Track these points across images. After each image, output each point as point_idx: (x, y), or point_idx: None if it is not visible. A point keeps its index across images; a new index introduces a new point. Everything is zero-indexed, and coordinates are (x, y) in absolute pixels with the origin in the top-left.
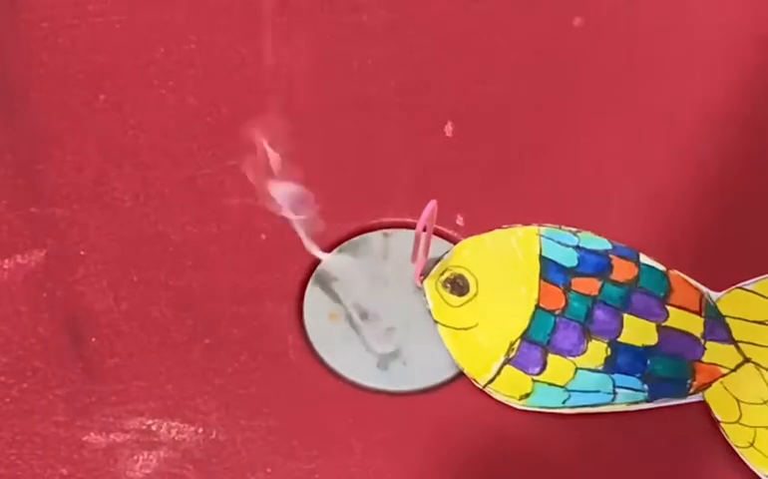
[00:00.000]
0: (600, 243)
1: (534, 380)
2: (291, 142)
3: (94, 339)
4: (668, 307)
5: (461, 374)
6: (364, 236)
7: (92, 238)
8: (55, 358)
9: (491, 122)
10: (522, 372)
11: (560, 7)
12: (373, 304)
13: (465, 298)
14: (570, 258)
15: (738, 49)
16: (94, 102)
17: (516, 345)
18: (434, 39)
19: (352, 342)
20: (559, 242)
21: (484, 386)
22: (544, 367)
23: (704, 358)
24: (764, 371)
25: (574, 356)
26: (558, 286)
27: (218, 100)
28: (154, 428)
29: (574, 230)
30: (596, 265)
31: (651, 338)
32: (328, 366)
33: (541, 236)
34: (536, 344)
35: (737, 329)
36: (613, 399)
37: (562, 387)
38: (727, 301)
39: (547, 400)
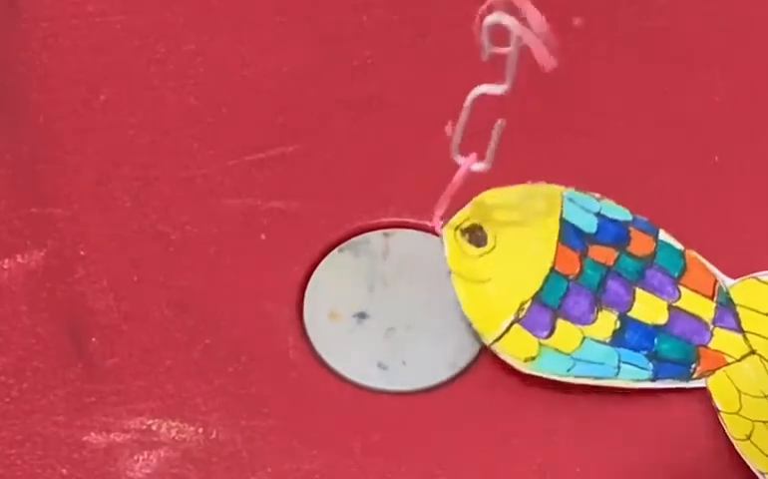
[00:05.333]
0: (622, 213)
1: (540, 344)
2: (291, 142)
3: (94, 339)
4: (681, 288)
5: (461, 374)
6: (364, 235)
7: (92, 238)
8: (55, 358)
9: (491, 122)
10: (529, 334)
11: (560, 7)
12: (373, 304)
13: (482, 250)
14: (590, 224)
15: (738, 49)
16: (94, 102)
17: (526, 306)
18: (434, 39)
19: (352, 342)
20: (581, 207)
21: (491, 344)
22: (552, 332)
23: (711, 344)
24: None
25: (582, 325)
26: (575, 251)
27: (218, 100)
28: (154, 428)
29: (597, 196)
30: (615, 235)
31: (661, 317)
32: (328, 366)
33: (564, 196)
34: (546, 307)
35: (747, 319)
36: (617, 374)
37: (567, 355)
38: (740, 290)
39: (551, 366)
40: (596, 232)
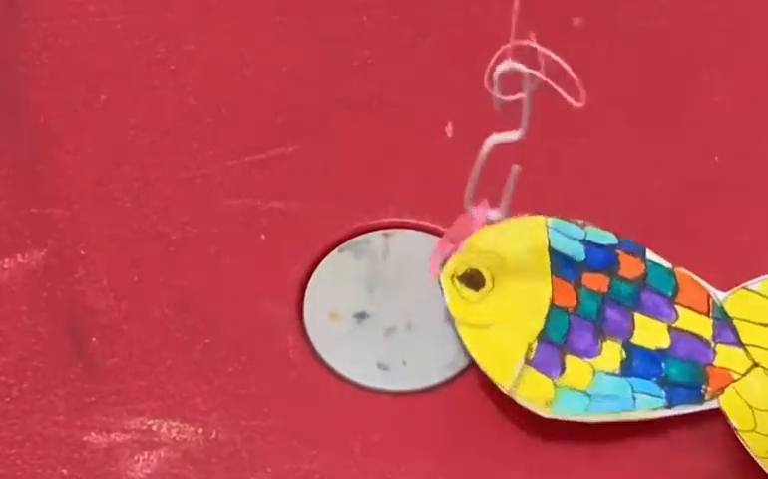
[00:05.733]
0: (607, 238)
1: (555, 385)
2: (291, 142)
3: (94, 339)
4: (677, 307)
5: (461, 374)
6: (364, 235)
7: (92, 238)
8: (55, 358)
9: (491, 122)
10: (543, 376)
11: (560, 7)
12: (373, 304)
13: (481, 294)
14: (578, 252)
15: (738, 49)
16: (94, 102)
17: (534, 347)
18: (434, 39)
19: (352, 342)
20: (566, 235)
21: (509, 391)
22: (563, 370)
23: (716, 362)
24: None
25: (590, 358)
26: (569, 282)
27: (218, 100)
28: (154, 428)
29: (580, 222)
30: (605, 261)
31: (664, 341)
32: (328, 366)
33: (548, 226)
34: (553, 345)
35: (744, 332)
36: (634, 406)
37: (583, 392)
38: (733, 303)
39: (570, 406)
40: (586, 259)
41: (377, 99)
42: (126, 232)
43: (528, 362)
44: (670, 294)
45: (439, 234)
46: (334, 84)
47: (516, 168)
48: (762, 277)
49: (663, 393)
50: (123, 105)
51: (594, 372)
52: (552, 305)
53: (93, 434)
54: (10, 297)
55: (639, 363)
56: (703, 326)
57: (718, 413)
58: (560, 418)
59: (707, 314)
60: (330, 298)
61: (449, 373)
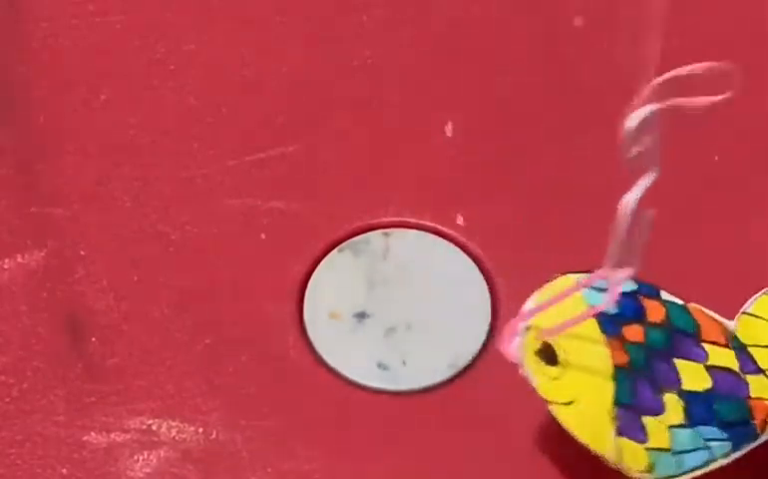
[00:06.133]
0: (627, 285)
1: (646, 449)
2: (291, 142)
3: (94, 339)
4: (704, 345)
5: (461, 374)
6: (364, 235)
7: (92, 238)
8: (55, 358)
9: (491, 122)
10: (633, 442)
11: (560, 7)
12: (373, 304)
13: (559, 369)
14: (611, 305)
15: (739, 49)
16: (94, 102)
17: (614, 414)
18: (434, 39)
19: (352, 342)
20: (594, 288)
21: (617, 466)
22: (645, 432)
23: (752, 393)
24: None
25: (659, 415)
26: (617, 339)
27: (218, 100)
28: (154, 428)
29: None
30: (633, 310)
31: (706, 381)
32: (328, 366)
33: (578, 282)
34: (628, 408)
35: (759, 357)
36: (712, 455)
37: (668, 452)
38: (741, 329)
39: (665, 470)
40: (619, 311)
41: (377, 99)
42: (126, 232)
43: (618, 432)
44: (693, 332)
45: (439, 233)
46: (334, 84)
47: (649, 214)
48: (753, 298)
49: (726, 435)
50: (123, 105)
51: (669, 429)
52: (614, 366)
53: (93, 434)
54: (10, 297)
55: (697, 410)
56: (729, 359)
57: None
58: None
59: (727, 346)
60: (330, 298)
61: (449, 373)
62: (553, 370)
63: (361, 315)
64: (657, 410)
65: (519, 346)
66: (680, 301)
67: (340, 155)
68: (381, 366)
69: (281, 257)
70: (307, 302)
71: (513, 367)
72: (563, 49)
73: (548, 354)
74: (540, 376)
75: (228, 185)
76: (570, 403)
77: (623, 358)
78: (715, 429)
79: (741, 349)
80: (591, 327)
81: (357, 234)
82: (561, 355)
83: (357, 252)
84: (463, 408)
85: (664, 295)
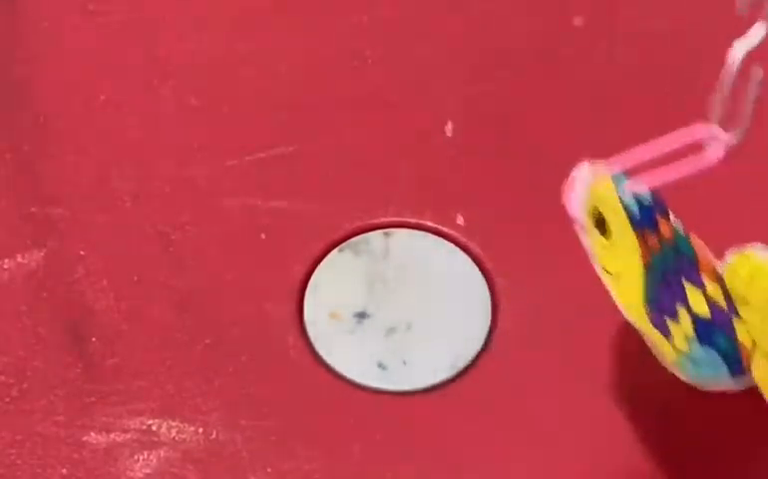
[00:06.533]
0: (643, 197)
1: (673, 347)
2: (291, 142)
3: (94, 339)
4: (702, 276)
5: (461, 374)
6: (364, 235)
7: (92, 238)
8: (55, 358)
9: (491, 122)
10: (662, 337)
11: (560, 7)
12: (373, 304)
13: (607, 242)
14: (636, 208)
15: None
16: (94, 102)
17: (647, 306)
18: (434, 39)
19: (352, 342)
20: (623, 188)
21: (660, 356)
22: (669, 332)
23: (738, 336)
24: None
25: (676, 321)
26: (642, 237)
27: (218, 100)
28: (154, 428)
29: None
30: (650, 221)
31: (706, 310)
32: (328, 366)
33: (612, 178)
34: (654, 305)
35: (740, 307)
36: (720, 373)
37: (688, 356)
38: (726, 274)
39: (686, 371)
40: (640, 217)
41: (377, 99)
42: (126, 232)
43: (651, 322)
44: (695, 260)
45: (439, 233)
46: (334, 84)
47: (758, 72)
48: (739, 249)
49: (726, 362)
50: (123, 105)
51: (684, 338)
52: (644, 263)
53: (93, 434)
54: (10, 297)
55: (702, 332)
56: (720, 297)
57: None
58: (686, 379)
59: (719, 284)
60: (330, 298)
61: (449, 373)
62: (603, 239)
63: (361, 315)
64: (675, 317)
65: (579, 204)
66: (683, 228)
67: (340, 155)
68: (381, 366)
69: (281, 257)
70: (307, 302)
71: (513, 367)
72: (563, 49)
73: (600, 223)
74: (594, 239)
75: (228, 185)
76: (615, 276)
77: (647, 260)
78: (716, 354)
79: (727, 292)
80: (622, 217)
81: (357, 234)
82: (609, 227)
83: (357, 252)
84: (463, 408)
85: (672, 217)
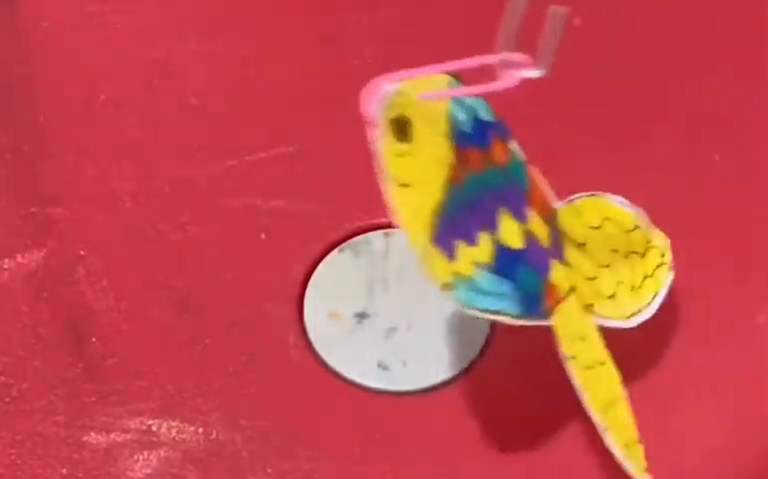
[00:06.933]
0: (487, 113)
1: (451, 269)
2: (291, 142)
3: (94, 339)
4: (528, 208)
5: (461, 374)
6: (364, 235)
7: (92, 238)
8: (55, 358)
9: None
10: (441, 255)
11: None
12: (373, 304)
13: (406, 146)
14: (466, 122)
15: (739, 49)
16: (94, 102)
17: (435, 220)
18: (434, 39)
19: (352, 342)
20: (459, 100)
21: (421, 267)
22: (453, 252)
23: (550, 276)
24: (585, 304)
25: (471, 245)
26: (458, 155)
27: (218, 100)
28: (154, 428)
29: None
30: (482, 140)
31: (519, 242)
32: (328, 366)
33: (449, 84)
34: (447, 222)
35: (566, 249)
36: (503, 308)
37: (468, 282)
38: (563, 214)
39: (462, 297)
40: (471, 132)
41: None
42: (126, 231)
43: (432, 239)
44: (524, 192)
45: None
46: (334, 84)
47: (557, 9)
48: (585, 194)
49: (520, 300)
50: (123, 105)
51: (474, 264)
52: (449, 177)
53: (93, 434)
54: (10, 297)
55: (503, 263)
56: (544, 234)
57: None
58: (454, 304)
59: (547, 221)
60: (330, 298)
61: (449, 373)
62: (400, 146)
63: (361, 315)
64: (470, 241)
65: (379, 106)
66: (523, 157)
67: (340, 155)
68: (381, 366)
69: (281, 257)
70: (307, 302)
71: (514, 367)
72: (563, 49)
73: (401, 128)
74: (388, 144)
75: (228, 185)
76: (405, 186)
77: (459, 177)
78: (513, 289)
79: (556, 232)
80: (442, 128)
81: (357, 234)
82: (412, 134)
83: (357, 253)
84: (463, 409)
85: (512, 144)
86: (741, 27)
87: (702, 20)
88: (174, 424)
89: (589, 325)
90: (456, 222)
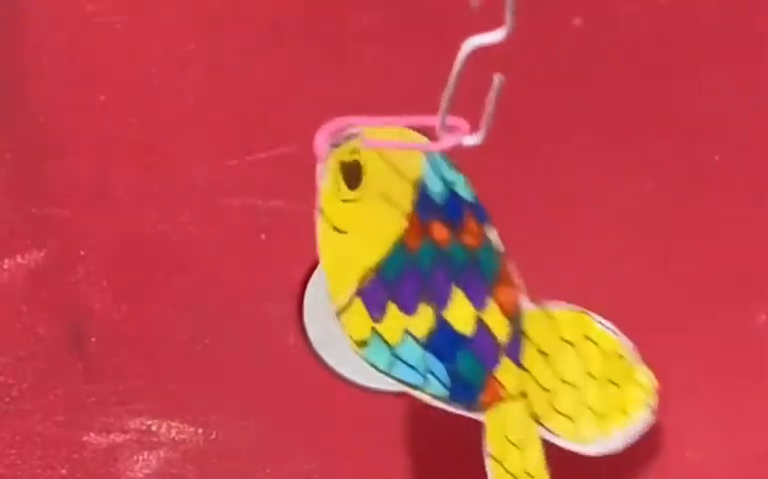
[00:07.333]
0: (466, 192)
1: (372, 328)
2: (291, 142)
3: (94, 339)
4: (490, 299)
5: None
6: None
7: (92, 238)
8: (55, 358)
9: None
10: (366, 312)
11: (560, 7)
12: None
13: (354, 194)
14: (441, 195)
15: (738, 49)
16: (94, 102)
17: (369, 276)
18: (433, 39)
19: None
20: (438, 171)
21: (337, 315)
22: (383, 315)
23: (497, 374)
24: (534, 414)
25: (407, 314)
26: (421, 223)
27: (218, 100)
28: (154, 428)
29: (454, 166)
30: (455, 216)
31: (468, 328)
32: (328, 366)
33: (427, 155)
34: (384, 283)
35: (527, 354)
36: (425, 384)
37: (391, 348)
38: (532, 318)
39: (377, 358)
40: (444, 205)
41: (377, 99)
42: (126, 232)
43: (359, 292)
44: (490, 280)
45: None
46: (334, 84)
47: (498, 79)
48: (565, 304)
49: (449, 384)
50: (123, 105)
51: (405, 332)
52: (399, 240)
53: (93, 434)
54: (10, 297)
55: (441, 342)
56: (502, 330)
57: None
58: (364, 362)
59: (510, 319)
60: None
61: None
62: (348, 192)
63: None
64: (406, 308)
65: (332, 147)
66: (501, 248)
67: None
68: None
69: (281, 257)
70: (307, 302)
71: None
72: (563, 49)
73: (352, 174)
74: (332, 186)
75: (228, 185)
76: (340, 232)
77: (414, 243)
78: (443, 370)
79: (518, 333)
80: (406, 191)
81: None
82: (365, 181)
83: None
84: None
85: (490, 230)
86: (741, 27)
87: (702, 20)
88: (174, 424)
89: (532, 436)
90: (395, 285)
